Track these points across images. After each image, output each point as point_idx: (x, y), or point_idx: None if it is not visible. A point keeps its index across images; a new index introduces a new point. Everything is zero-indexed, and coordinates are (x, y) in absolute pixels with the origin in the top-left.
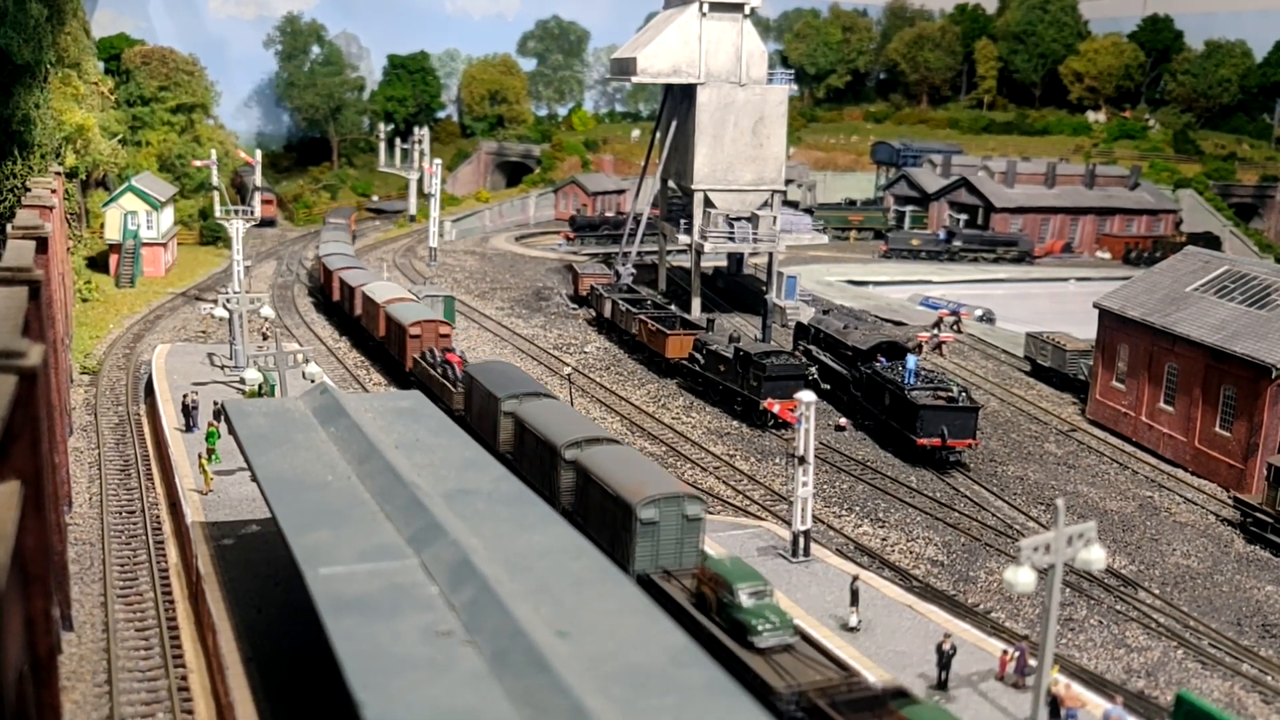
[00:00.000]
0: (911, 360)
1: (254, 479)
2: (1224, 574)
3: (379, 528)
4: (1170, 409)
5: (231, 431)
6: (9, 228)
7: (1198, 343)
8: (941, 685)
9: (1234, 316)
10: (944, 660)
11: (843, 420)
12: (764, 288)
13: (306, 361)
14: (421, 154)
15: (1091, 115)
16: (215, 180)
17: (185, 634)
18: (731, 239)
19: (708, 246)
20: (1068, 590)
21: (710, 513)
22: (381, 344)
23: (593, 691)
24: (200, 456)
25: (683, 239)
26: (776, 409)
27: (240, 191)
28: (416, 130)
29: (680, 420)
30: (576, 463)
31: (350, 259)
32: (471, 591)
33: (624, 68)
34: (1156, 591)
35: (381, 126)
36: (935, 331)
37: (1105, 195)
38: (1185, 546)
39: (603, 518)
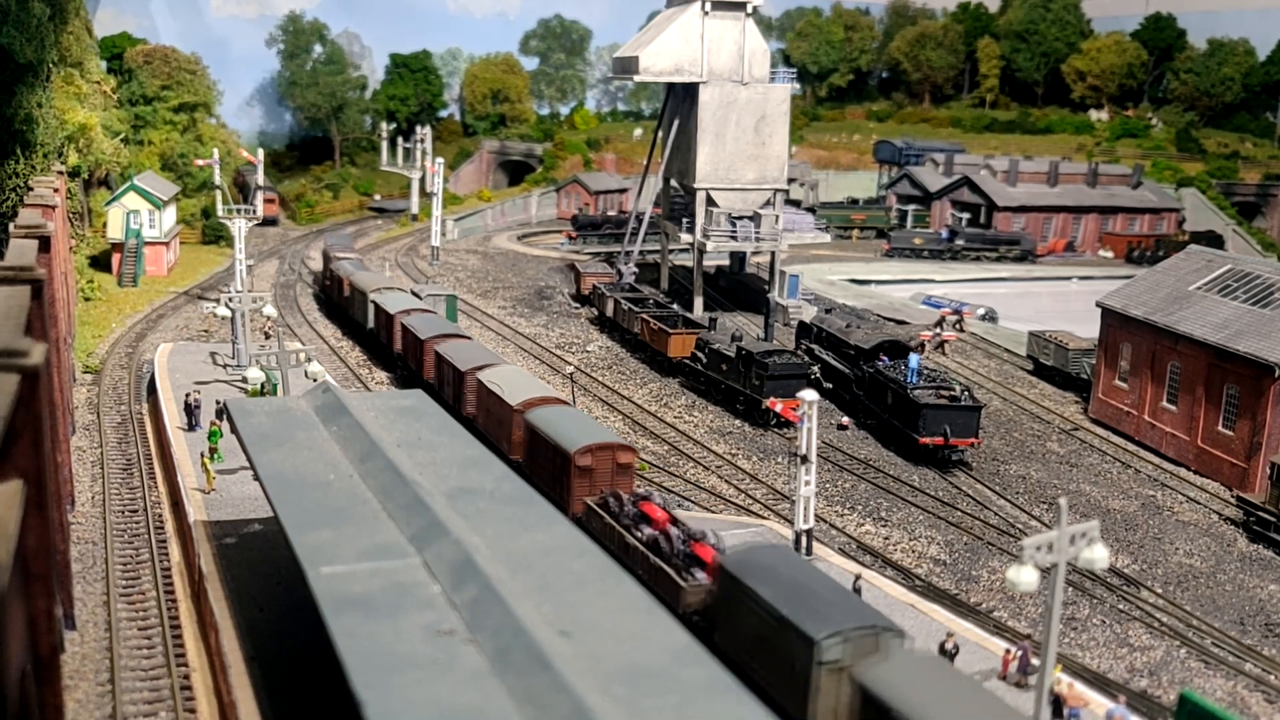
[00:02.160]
0: (914, 359)
1: (256, 478)
2: (1227, 573)
3: (381, 526)
4: (1173, 408)
5: (234, 430)
6: (11, 227)
7: (1201, 342)
8: None
9: (1237, 315)
10: (947, 659)
11: (845, 419)
12: (766, 287)
13: (309, 360)
14: (423, 153)
15: (1094, 114)
16: (217, 179)
17: (187, 633)
18: (734, 238)
19: (710, 245)
20: (1070, 589)
21: (712, 512)
22: (520, 466)
23: (594, 690)
24: (203, 455)
25: (685, 238)
26: (779, 408)
27: (242, 190)
28: (418, 129)
29: (682, 419)
30: None
31: (442, 322)
32: (473, 590)
33: (626, 66)
34: (1159, 591)
35: (384, 125)
36: (938, 330)
37: (1108, 194)
38: (1188, 545)
39: None
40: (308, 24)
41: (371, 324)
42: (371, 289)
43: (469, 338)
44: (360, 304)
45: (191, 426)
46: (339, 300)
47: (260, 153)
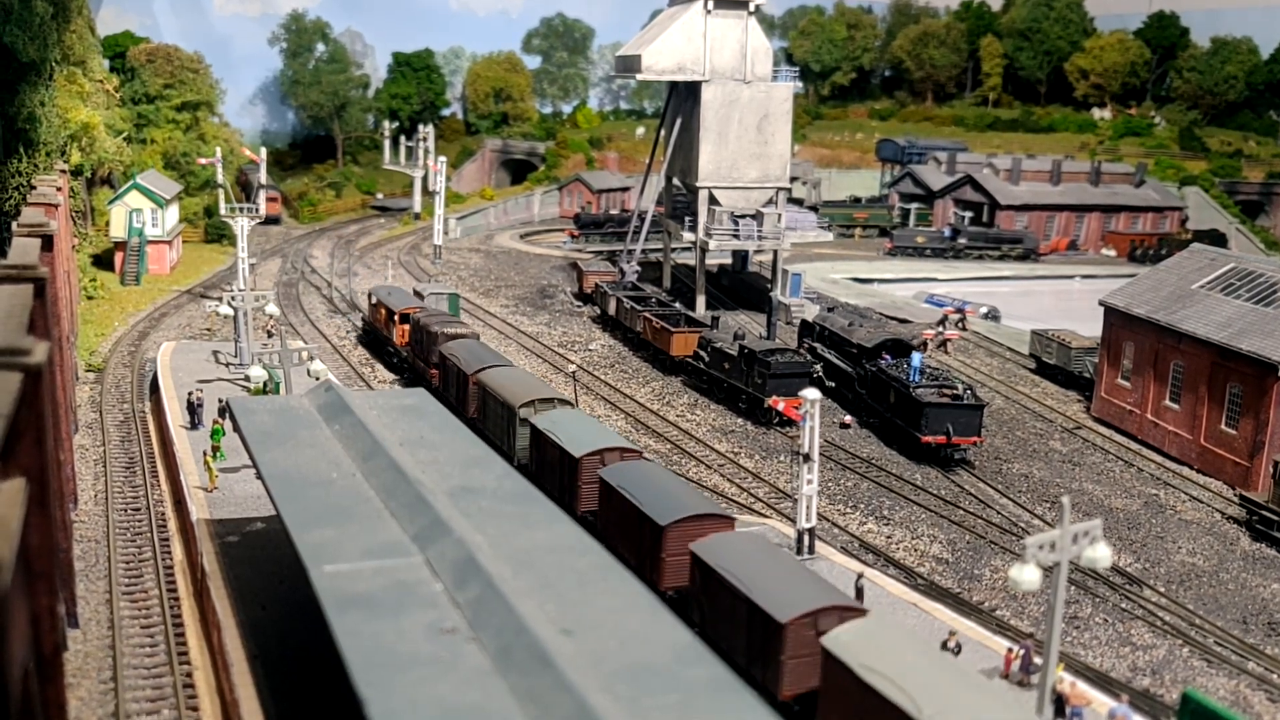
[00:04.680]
0: (916, 358)
1: (259, 476)
2: (1229, 572)
3: (383, 525)
4: (1176, 406)
5: (236, 429)
6: (15, 225)
7: (1204, 340)
8: None
9: (1240, 314)
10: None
11: (847, 418)
12: (769, 285)
13: (311, 359)
14: (426, 152)
15: (1097, 112)
16: (220, 178)
17: (190, 631)
18: (736, 236)
19: (712, 244)
20: (1073, 588)
21: None
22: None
23: (597, 689)
24: (205, 454)
25: (687, 236)
26: (781, 406)
27: (245, 189)
28: (421, 128)
29: (685, 418)
30: None
31: (684, 491)
32: (476, 589)
33: (629, 65)
34: (1162, 589)
35: (386, 124)
36: (940, 329)
37: (1111, 192)
38: (1191, 544)
39: None
40: (310, 23)
41: (527, 460)
42: (521, 403)
43: (724, 515)
44: (502, 423)
45: (194, 425)
46: (457, 402)
47: (263, 151)
